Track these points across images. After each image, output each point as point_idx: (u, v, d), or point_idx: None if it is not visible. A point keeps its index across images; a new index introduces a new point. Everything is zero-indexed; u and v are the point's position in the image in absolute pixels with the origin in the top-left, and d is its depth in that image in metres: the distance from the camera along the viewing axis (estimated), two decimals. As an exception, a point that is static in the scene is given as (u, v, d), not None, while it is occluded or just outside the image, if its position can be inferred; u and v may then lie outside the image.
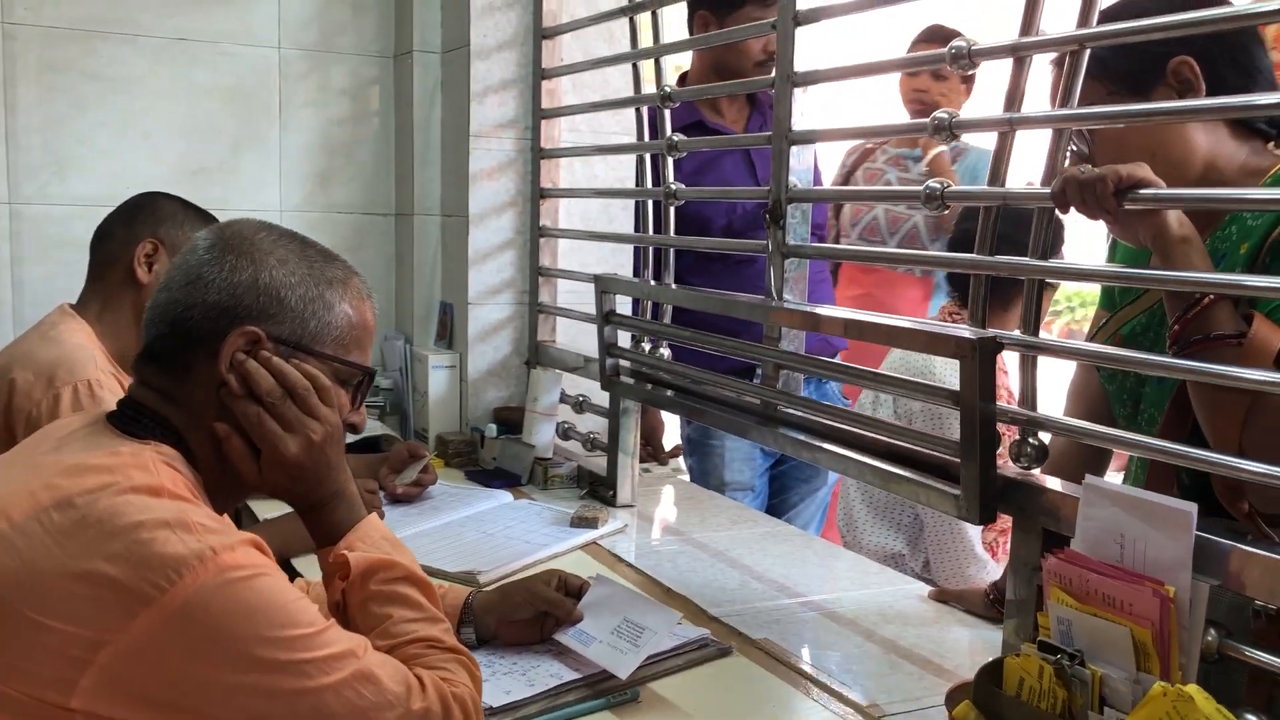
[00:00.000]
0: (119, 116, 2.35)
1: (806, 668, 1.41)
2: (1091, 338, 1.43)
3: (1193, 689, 0.98)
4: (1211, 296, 1.10)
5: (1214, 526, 1.08)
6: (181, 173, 2.36)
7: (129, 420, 1.07)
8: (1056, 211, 1.24)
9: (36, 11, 2.25)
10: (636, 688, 1.33)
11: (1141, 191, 1.14)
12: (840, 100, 2.19)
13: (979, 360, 1.27)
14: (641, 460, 2.45)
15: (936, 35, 2.66)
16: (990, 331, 1.30)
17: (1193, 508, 1.04)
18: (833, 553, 1.95)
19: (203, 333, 1.07)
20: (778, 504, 2.63)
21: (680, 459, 2.51)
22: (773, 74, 1.66)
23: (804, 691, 1.35)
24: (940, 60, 1.36)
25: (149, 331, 1.12)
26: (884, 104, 3.13)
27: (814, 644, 1.51)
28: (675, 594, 1.65)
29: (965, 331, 1.31)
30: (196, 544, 0.93)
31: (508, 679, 1.34)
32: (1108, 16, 1.23)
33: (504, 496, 2.12)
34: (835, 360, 1.69)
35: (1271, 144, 1.30)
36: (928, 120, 1.38)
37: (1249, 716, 1.03)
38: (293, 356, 1.10)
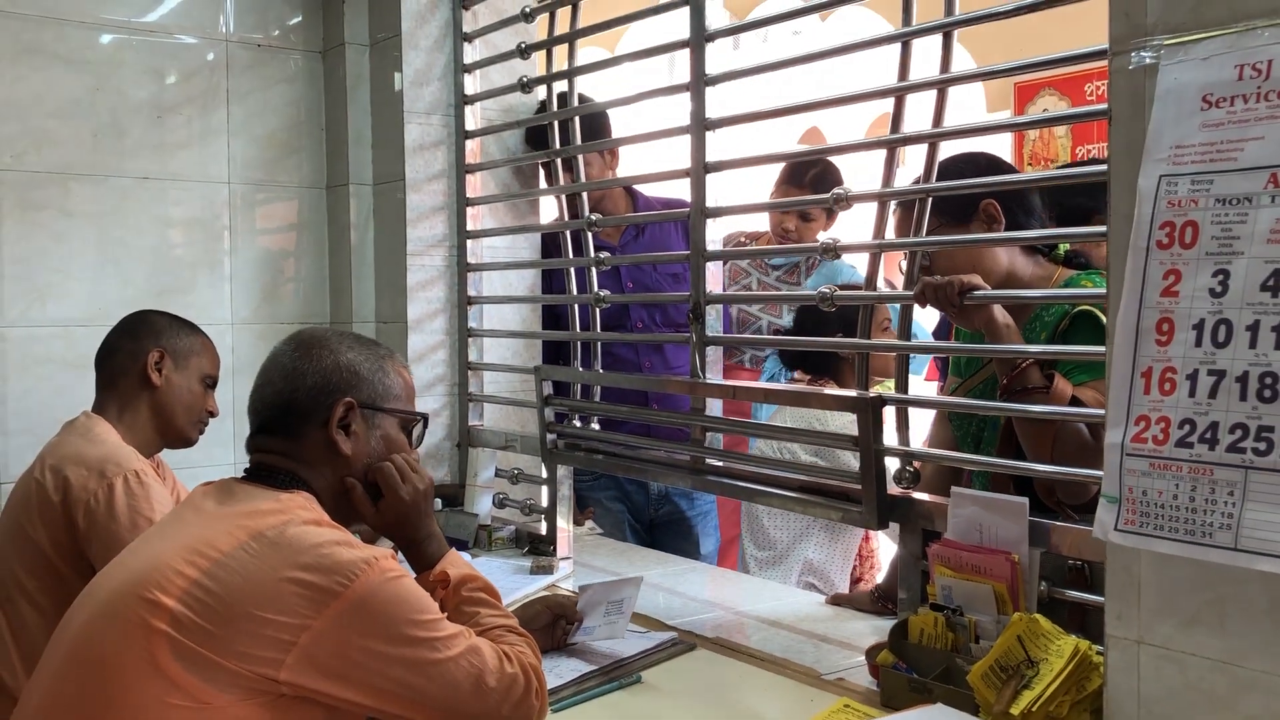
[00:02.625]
0: (92, 247, 2.65)
1: (755, 653, 1.88)
2: (951, 394, 2.01)
3: (1038, 615, 1.51)
4: (1027, 361, 1.67)
5: (1039, 512, 1.63)
6: (147, 294, 2.67)
7: (268, 477, 1.45)
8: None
9: (20, 159, 2.55)
10: (639, 672, 1.77)
11: (976, 293, 1.70)
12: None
13: (871, 413, 1.80)
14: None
15: (800, 175, 3.19)
16: (874, 392, 1.84)
17: (1025, 501, 1.59)
18: (742, 578, 2.45)
19: (309, 407, 1.48)
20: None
21: (591, 520, 2.95)
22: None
23: (759, 667, 1.83)
24: (825, 203, 1.92)
25: (259, 415, 1.51)
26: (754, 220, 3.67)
27: (756, 639, 1.98)
28: (636, 614, 2.09)
29: (853, 393, 1.84)
30: (363, 554, 1.32)
31: (540, 675, 1.76)
32: (941, 173, 1.80)
33: (465, 556, 2.51)
34: (753, 421, 2.20)
35: (1046, 259, 1.91)
36: (818, 245, 1.92)
37: (1072, 635, 1.57)
38: (374, 414, 1.51)
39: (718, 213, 2.15)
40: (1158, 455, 1.15)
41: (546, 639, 1.85)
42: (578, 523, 2.92)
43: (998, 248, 1.86)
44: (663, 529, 3.03)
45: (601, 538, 2.80)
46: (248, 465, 1.49)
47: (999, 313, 1.71)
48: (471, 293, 2.83)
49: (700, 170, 2.15)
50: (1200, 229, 1.15)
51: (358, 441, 1.49)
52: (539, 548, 2.57)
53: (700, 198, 2.16)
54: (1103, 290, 1.60)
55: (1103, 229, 1.39)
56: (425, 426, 1.62)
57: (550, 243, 2.86)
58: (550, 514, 2.56)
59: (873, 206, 1.86)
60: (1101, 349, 1.53)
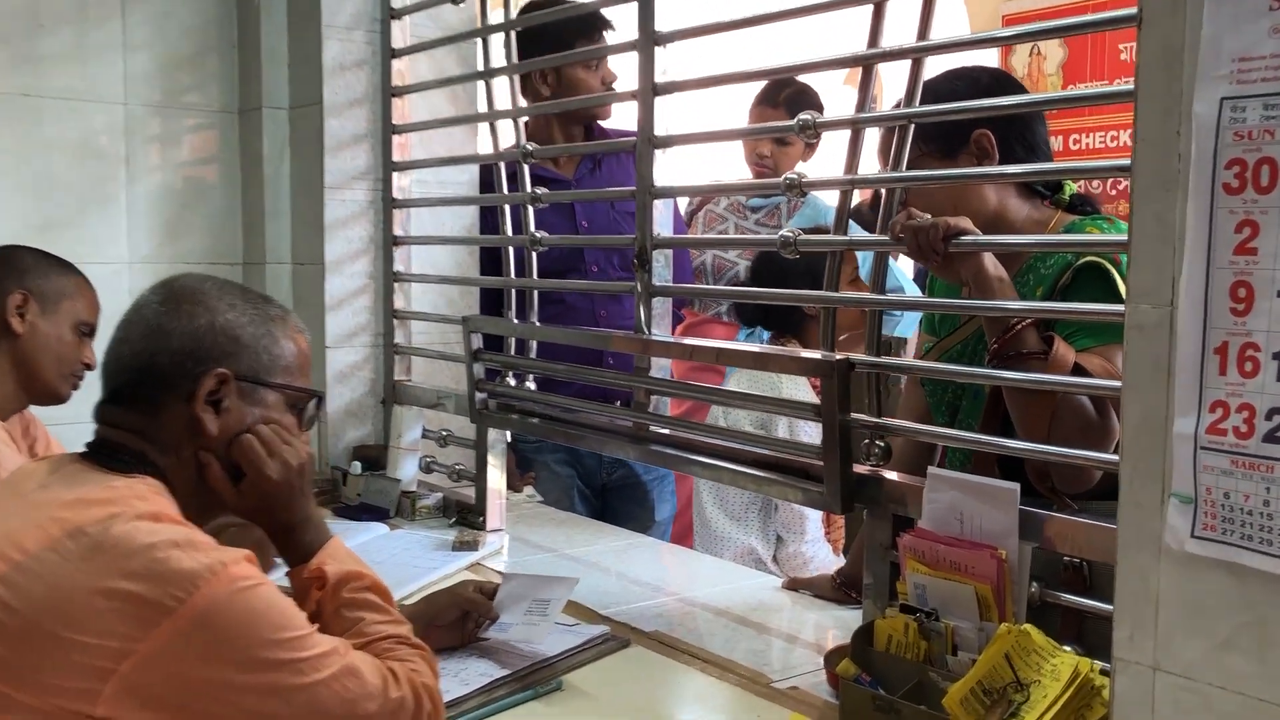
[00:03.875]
0: (-42, 172, 2.34)
1: (698, 651, 1.63)
2: (921, 358, 1.74)
3: (1029, 627, 1.26)
4: (1024, 321, 1.40)
5: (1031, 500, 1.37)
6: (27, 229, 2.35)
7: (109, 457, 1.17)
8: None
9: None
10: (560, 678, 1.51)
11: (963, 238, 1.43)
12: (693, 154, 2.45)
13: (837, 379, 1.53)
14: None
15: (774, 95, 2.93)
16: (843, 354, 1.57)
17: (1016, 486, 1.33)
18: (693, 557, 2.19)
19: (172, 376, 1.19)
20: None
21: (532, 486, 2.68)
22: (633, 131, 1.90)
23: (701, 671, 1.57)
24: (790, 130, 1.63)
25: (113, 380, 1.23)
26: (731, 160, 3.38)
27: (697, 632, 1.72)
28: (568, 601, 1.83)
29: (818, 355, 1.57)
30: (206, 559, 1.05)
31: (442, 681, 1.49)
32: (928, 93, 1.52)
33: (379, 529, 2.25)
34: (706, 385, 1.93)
35: (1046, 202, 1.64)
36: (780, 180, 1.64)
37: (1068, 646, 1.32)
38: (255, 388, 1.23)
39: (667, 142, 1.87)
40: (1241, 451, 0.90)
41: (454, 636, 1.59)
42: (516, 488, 2.65)
43: (987, 186, 1.59)
44: (616, 494, 2.76)
45: (542, 506, 2.53)
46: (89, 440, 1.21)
47: (990, 263, 1.44)
48: (398, 232, 2.54)
49: (648, 92, 1.86)
50: (1281, 169, 0.89)
51: (229, 421, 1.21)
52: (467, 518, 2.30)
53: (648, 124, 1.87)
54: (1119, 237, 1.33)
55: (1123, 161, 1.13)
56: (320, 406, 1.34)
57: (491, 177, 2.57)
58: (480, 481, 2.29)
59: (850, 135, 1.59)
60: (1114, 307, 1.27)
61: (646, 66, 1.86)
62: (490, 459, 2.27)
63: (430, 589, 1.82)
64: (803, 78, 2.90)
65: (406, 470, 2.41)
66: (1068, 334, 1.44)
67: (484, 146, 2.55)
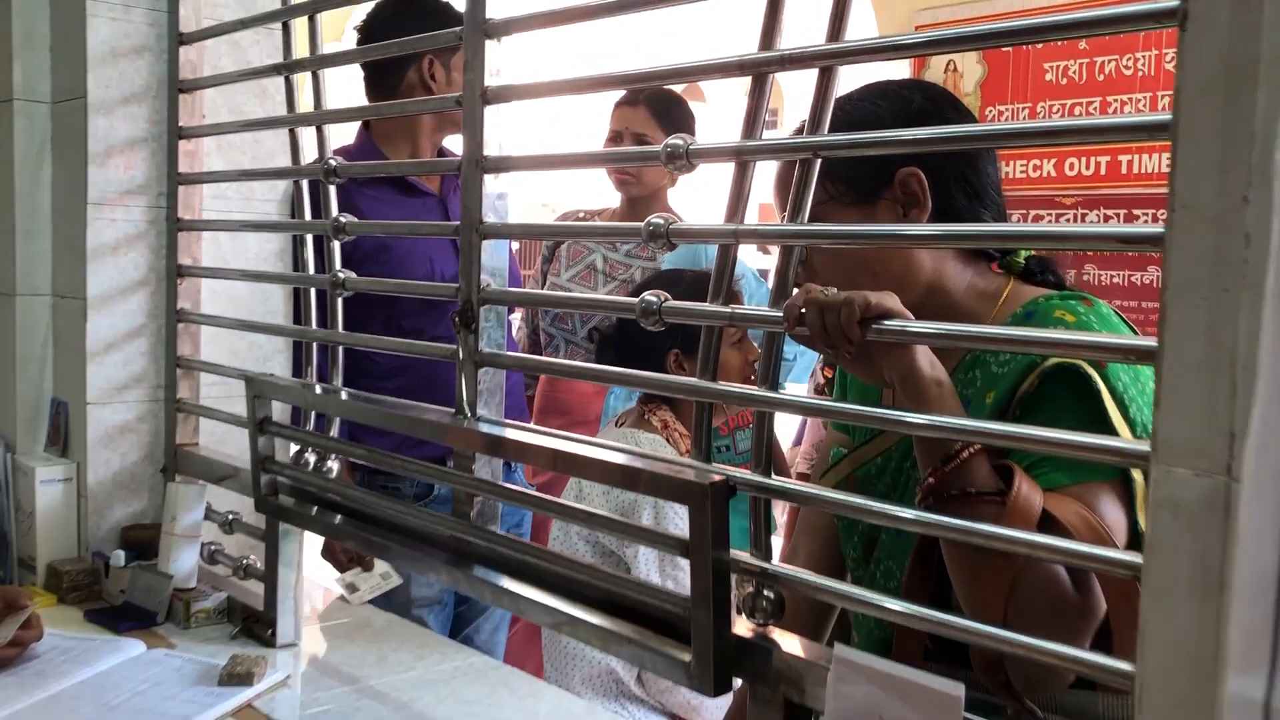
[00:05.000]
0: None
1: None
2: (822, 475, 1.31)
3: None
4: (972, 448, 0.98)
5: (979, 705, 0.95)
6: None
7: None
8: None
9: None
10: None
11: (887, 323, 1.01)
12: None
13: (712, 507, 1.10)
14: (345, 567, 2.13)
15: (635, 92, 2.52)
16: (719, 469, 1.14)
17: (960, 690, 0.92)
18: (533, 690, 1.73)
19: None
20: (464, 611, 2.38)
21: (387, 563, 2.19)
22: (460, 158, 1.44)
23: None
24: (654, 157, 1.20)
25: None
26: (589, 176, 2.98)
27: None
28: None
29: (692, 474, 1.14)
30: None
31: None
32: (840, 115, 1.10)
33: (134, 646, 1.74)
34: (538, 493, 1.47)
35: (994, 266, 1.23)
36: (641, 225, 1.21)
37: None
38: None
39: (501, 165, 1.42)
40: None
41: None
42: (367, 566, 2.15)
43: (920, 247, 1.17)
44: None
45: (365, 610, 2.04)
46: None
47: (925, 360, 1.02)
48: (186, 261, 2.03)
49: (476, 100, 1.41)
50: None
51: None
52: (253, 629, 1.81)
53: (475, 141, 1.42)
54: (1120, 340, 0.92)
55: (1155, 229, 0.73)
56: None
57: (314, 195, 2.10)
58: (270, 582, 1.80)
59: (730, 167, 1.16)
60: (1112, 440, 0.86)
61: (475, 66, 1.41)
62: (283, 554, 1.78)
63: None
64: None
65: (183, 562, 1.91)
66: (1032, 465, 1.03)
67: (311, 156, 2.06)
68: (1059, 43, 3.25)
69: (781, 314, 1.07)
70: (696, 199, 3.18)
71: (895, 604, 1.00)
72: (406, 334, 2.00)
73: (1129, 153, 3.51)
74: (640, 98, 2.54)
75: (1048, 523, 0.96)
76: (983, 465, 0.99)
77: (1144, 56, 3.46)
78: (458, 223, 1.45)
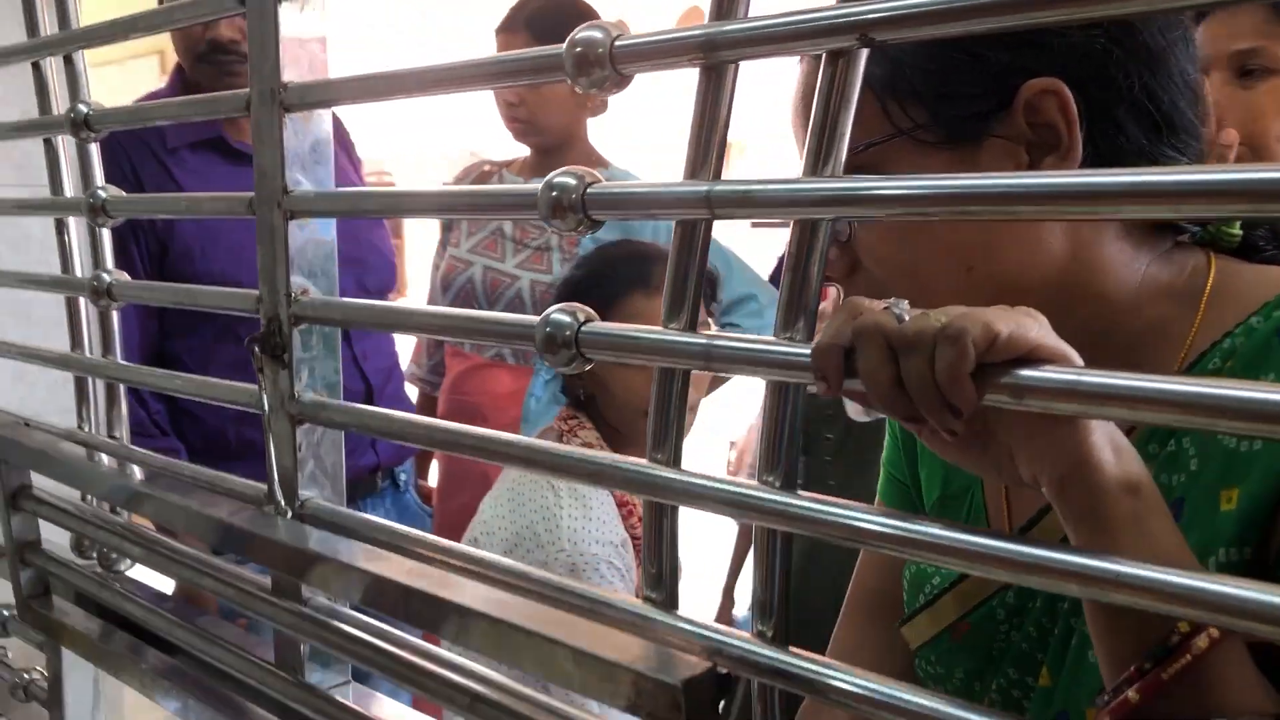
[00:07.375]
0: None
1: None
2: (903, 621, 0.79)
3: None
4: (1213, 632, 0.48)
5: None
6: None
7: None
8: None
9: None
10: None
11: (1028, 373, 0.49)
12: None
13: (687, 711, 0.59)
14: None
15: (516, 13, 1.95)
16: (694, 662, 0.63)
17: None
18: None
19: None
20: None
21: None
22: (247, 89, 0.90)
23: None
24: (551, 73, 0.67)
25: None
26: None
27: None
28: None
29: (653, 656, 0.62)
30: None
31: None
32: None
33: None
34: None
35: (1183, 239, 0.71)
36: (538, 189, 0.68)
37: None
38: None
39: (311, 97, 0.87)
40: None
41: None
42: None
43: (1066, 218, 0.65)
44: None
45: None
46: None
47: (1105, 445, 0.51)
48: (-75, 257, 1.46)
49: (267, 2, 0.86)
50: None
51: None
52: (35, 781, 1.28)
53: (268, 62, 0.87)
54: None
55: None
56: None
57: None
58: (55, 709, 1.27)
59: (691, 81, 0.63)
60: None
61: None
62: (70, 681, 1.25)
63: None
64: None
65: (-60, 680, 1.37)
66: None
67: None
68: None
69: (809, 353, 0.55)
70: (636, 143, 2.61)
71: None
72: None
73: None
74: (521, 20, 1.94)
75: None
76: (1235, 661, 0.49)
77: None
78: (251, 194, 0.91)
